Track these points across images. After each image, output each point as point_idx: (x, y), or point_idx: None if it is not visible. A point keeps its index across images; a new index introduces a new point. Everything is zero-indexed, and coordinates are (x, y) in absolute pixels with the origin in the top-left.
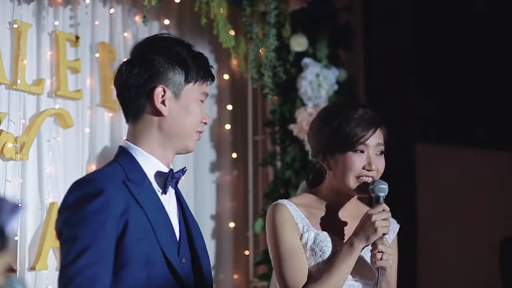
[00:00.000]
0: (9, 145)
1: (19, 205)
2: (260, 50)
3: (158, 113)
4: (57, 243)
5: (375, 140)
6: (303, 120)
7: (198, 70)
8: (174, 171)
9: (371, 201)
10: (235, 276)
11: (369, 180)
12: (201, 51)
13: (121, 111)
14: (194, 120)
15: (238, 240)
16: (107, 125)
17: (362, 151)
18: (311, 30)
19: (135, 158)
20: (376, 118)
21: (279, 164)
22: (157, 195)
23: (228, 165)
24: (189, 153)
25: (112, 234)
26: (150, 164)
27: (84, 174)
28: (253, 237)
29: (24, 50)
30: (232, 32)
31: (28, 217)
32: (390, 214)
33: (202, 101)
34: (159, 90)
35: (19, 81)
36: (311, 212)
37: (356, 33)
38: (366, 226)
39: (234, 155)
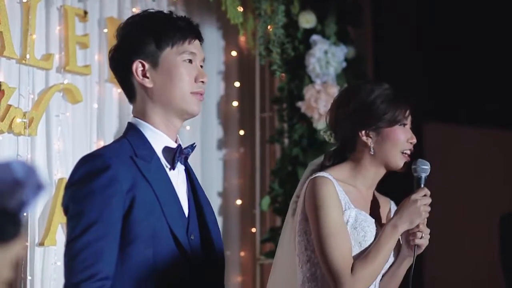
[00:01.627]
0: (18, 120)
1: (44, 186)
2: (269, 27)
3: (144, 87)
4: (65, 219)
5: (410, 115)
6: (311, 97)
7: (169, 33)
8: (183, 147)
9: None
10: (242, 254)
11: (409, 154)
12: (190, 18)
13: None
14: (180, 83)
15: (245, 217)
16: (115, 101)
17: (405, 125)
18: (320, 7)
19: (143, 134)
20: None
21: (286, 141)
22: (165, 171)
23: (236, 142)
24: (194, 116)
25: (119, 210)
26: (158, 139)
27: (92, 149)
28: (260, 214)
29: (33, 25)
30: (240, 9)
31: None
32: (430, 199)
33: (189, 60)
34: (136, 65)
35: (28, 56)
36: (348, 189)
37: (365, 10)
38: (411, 209)
39: (242, 132)
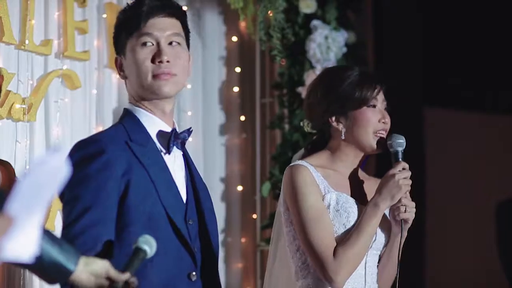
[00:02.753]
0: (17, 106)
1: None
2: (269, 12)
3: (123, 78)
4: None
5: (381, 95)
6: None
7: (128, 21)
8: (180, 131)
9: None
10: (243, 240)
11: (384, 134)
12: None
13: None
14: (139, 70)
15: (245, 203)
16: (114, 87)
17: (375, 106)
18: None
19: (138, 119)
20: (377, 73)
21: (287, 127)
22: (161, 155)
23: (237, 128)
24: (167, 97)
25: (114, 194)
26: (153, 123)
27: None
28: (260, 200)
29: (32, 10)
30: None
31: None
32: (410, 172)
33: (143, 44)
34: (117, 60)
35: (27, 42)
36: (327, 173)
37: None
38: (389, 185)
39: (243, 118)
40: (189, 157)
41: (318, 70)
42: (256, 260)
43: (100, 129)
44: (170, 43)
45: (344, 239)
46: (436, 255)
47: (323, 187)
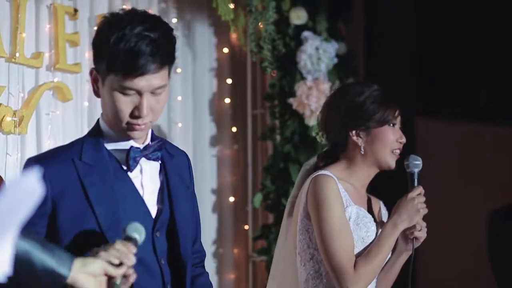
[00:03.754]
0: (8, 118)
1: None
2: (260, 24)
3: (96, 94)
4: None
5: (399, 115)
6: (303, 94)
7: (123, 62)
8: (160, 143)
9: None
10: (235, 251)
11: (399, 153)
12: (158, 42)
13: None
14: (115, 111)
15: (237, 214)
16: None
17: (394, 124)
18: (311, 3)
19: (101, 133)
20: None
21: (278, 138)
22: (122, 172)
23: (228, 139)
24: (131, 139)
25: (40, 213)
26: (112, 139)
27: None
28: (252, 211)
29: (23, 23)
30: (232, 5)
31: None
32: (425, 197)
33: (125, 94)
34: (93, 72)
35: (17, 54)
36: (346, 186)
37: (356, 6)
38: (409, 208)
39: (234, 129)
40: (170, 166)
41: (309, 81)
42: (248, 270)
43: None
44: (153, 92)
45: (364, 253)
46: (427, 265)
47: (345, 199)
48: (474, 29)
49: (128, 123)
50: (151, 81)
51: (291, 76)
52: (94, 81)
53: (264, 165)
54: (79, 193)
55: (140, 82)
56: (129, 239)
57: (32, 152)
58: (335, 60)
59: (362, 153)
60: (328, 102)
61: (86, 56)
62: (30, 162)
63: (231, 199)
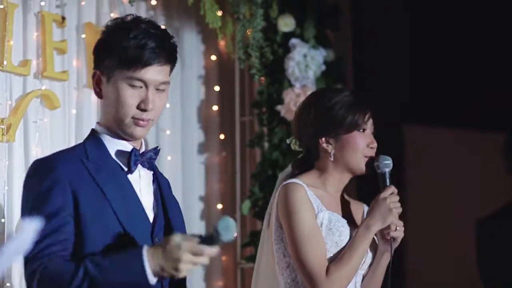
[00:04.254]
0: None
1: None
2: (247, 31)
3: (100, 96)
4: None
5: (370, 120)
6: (291, 101)
7: (129, 54)
8: (146, 150)
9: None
10: (223, 258)
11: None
12: (163, 39)
13: None
14: (123, 105)
15: None
16: (93, 106)
17: (364, 130)
18: (299, 10)
19: (100, 138)
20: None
21: (266, 145)
22: (123, 174)
23: (216, 146)
24: (135, 139)
25: (66, 208)
26: (113, 143)
27: None
28: (240, 218)
29: (11, 31)
30: (220, 13)
31: (14, 199)
32: (398, 196)
33: (133, 86)
34: (96, 74)
35: (5, 62)
36: (319, 193)
37: (344, 13)
38: (382, 209)
39: (222, 136)
40: (160, 175)
41: (297, 88)
42: (237, 278)
43: None
44: (157, 89)
45: (337, 258)
46: (416, 271)
47: (316, 205)
48: (462, 36)
49: (133, 117)
50: (157, 75)
51: (279, 83)
52: (97, 83)
53: (252, 172)
54: (95, 190)
55: (147, 73)
56: (216, 234)
57: (19, 160)
58: (323, 67)
59: (332, 160)
60: (299, 109)
61: (73, 64)
62: (37, 163)
63: (219, 206)
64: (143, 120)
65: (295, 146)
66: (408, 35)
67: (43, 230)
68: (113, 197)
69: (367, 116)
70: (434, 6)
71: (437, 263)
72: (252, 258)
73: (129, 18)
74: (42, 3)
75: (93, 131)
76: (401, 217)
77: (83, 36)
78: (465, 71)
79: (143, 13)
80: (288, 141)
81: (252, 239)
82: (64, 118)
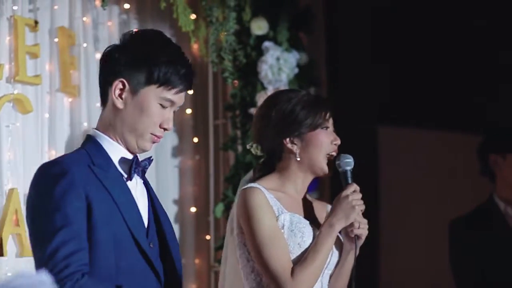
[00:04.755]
0: None
1: None
2: (220, 34)
3: (115, 106)
4: (16, 230)
5: (331, 118)
6: None
7: (165, 74)
8: (140, 159)
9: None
10: (197, 261)
11: (334, 156)
12: (191, 65)
13: (81, 96)
14: (147, 120)
15: (199, 224)
16: (66, 111)
17: (327, 127)
18: (272, 13)
19: (101, 145)
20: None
21: (240, 148)
22: (123, 181)
23: (190, 150)
24: (143, 152)
25: (82, 213)
26: (115, 150)
27: (43, 159)
28: (214, 221)
29: None
30: (193, 16)
31: None
32: (360, 194)
33: (163, 105)
34: (117, 83)
35: None
36: (279, 195)
37: (318, 16)
38: (343, 206)
39: (196, 140)
40: (149, 185)
41: (270, 91)
42: (211, 281)
43: (53, 153)
44: (174, 112)
45: (301, 259)
46: (390, 272)
47: (277, 208)
48: (434, 37)
49: (152, 133)
50: (182, 98)
51: (252, 86)
52: (120, 93)
53: (225, 175)
54: (106, 195)
55: (180, 98)
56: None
57: None
58: (296, 70)
59: (298, 159)
60: (259, 113)
61: (46, 68)
62: (48, 166)
63: (193, 209)
64: (158, 138)
65: (256, 151)
66: (381, 38)
67: (62, 235)
68: (121, 202)
69: (328, 114)
70: (407, 11)
71: (411, 263)
72: None
73: (150, 31)
74: (15, 8)
75: (89, 137)
76: (375, 218)
77: (56, 40)
78: (440, 73)
79: (116, 17)
80: (248, 146)
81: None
82: (37, 122)
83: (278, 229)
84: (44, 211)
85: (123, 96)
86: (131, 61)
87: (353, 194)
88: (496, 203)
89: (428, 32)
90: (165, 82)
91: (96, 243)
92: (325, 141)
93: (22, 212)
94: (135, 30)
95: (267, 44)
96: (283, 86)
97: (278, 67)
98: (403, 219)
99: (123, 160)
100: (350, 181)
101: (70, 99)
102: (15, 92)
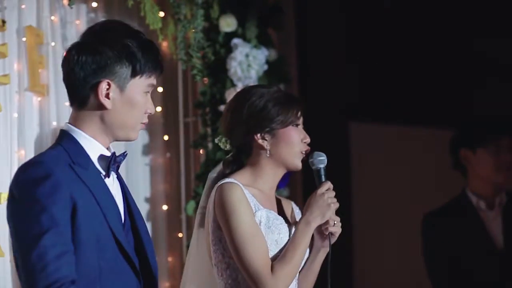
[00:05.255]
0: None
1: None
2: (189, 32)
3: (101, 106)
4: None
5: (301, 116)
6: None
7: (146, 63)
8: (115, 154)
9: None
10: (169, 259)
11: (305, 154)
12: (158, 49)
13: (50, 95)
14: (137, 113)
15: (171, 222)
16: (35, 110)
17: (298, 125)
18: (240, 10)
19: (78, 142)
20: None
21: (210, 145)
22: (102, 178)
23: (161, 148)
24: (130, 141)
25: (67, 214)
26: (93, 147)
27: (13, 159)
28: (186, 219)
29: None
30: (161, 14)
31: None
32: (334, 192)
33: (147, 93)
34: (103, 85)
35: None
36: (253, 191)
37: (288, 12)
38: (319, 204)
39: (166, 137)
40: (122, 179)
41: (239, 88)
42: None
43: (22, 152)
44: None
45: (281, 255)
46: (364, 270)
47: (253, 204)
48: (408, 34)
49: (141, 122)
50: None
51: (221, 83)
52: (106, 93)
53: (196, 173)
54: (88, 195)
55: (156, 79)
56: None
57: None
58: (266, 67)
59: (268, 155)
60: (229, 108)
61: (15, 67)
62: (30, 167)
63: (165, 207)
64: (145, 124)
65: (225, 145)
66: (352, 33)
67: (50, 237)
68: (102, 202)
69: (300, 112)
70: (379, 4)
71: (385, 260)
72: None
73: (114, 24)
74: None
75: (64, 133)
76: (347, 215)
77: (24, 39)
78: (411, 69)
79: (84, 15)
80: (216, 140)
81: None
82: (6, 122)
83: (257, 226)
84: (29, 213)
85: (110, 96)
86: (111, 59)
87: (328, 192)
88: (468, 197)
89: (398, 27)
90: (146, 71)
91: (79, 244)
92: (296, 139)
93: None
94: (94, 25)
95: (235, 41)
96: (253, 82)
97: (247, 63)
98: (375, 215)
99: (101, 157)
100: (323, 179)
101: (39, 98)
102: None
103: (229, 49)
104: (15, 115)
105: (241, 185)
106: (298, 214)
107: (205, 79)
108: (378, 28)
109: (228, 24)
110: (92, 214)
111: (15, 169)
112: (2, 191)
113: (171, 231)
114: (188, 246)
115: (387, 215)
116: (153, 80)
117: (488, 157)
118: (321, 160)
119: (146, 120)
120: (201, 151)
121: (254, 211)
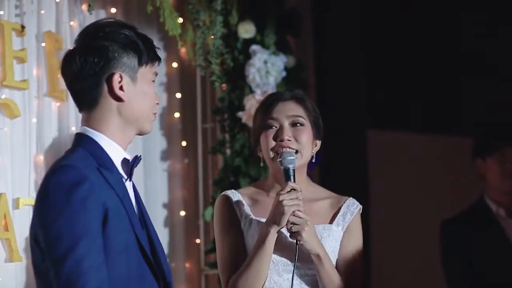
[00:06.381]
0: None
1: None
2: (208, 38)
3: (117, 99)
4: (5, 235)
5: (284, 112)
6: (252, 107)
7: (148, 51)
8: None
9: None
10: (187, 265)
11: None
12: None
13: (69, 100)
14: (150, 102)
15: (189, 228)
16: (54, 115)
17: (273, 127)
18: (259, 16)
19: (100, 144)
20: (284, 93)
21: (228, 151)
22: (124, 182)
23: (179, 153)
24: (147, 134)
25: (98, 222)
26: (115, 150)
27: (31, 165)
28: (203, 225)
29: None
30: (181, 20)
31: None
32: (299, 192)
33: (153, 81)
34: (116, 77)
35: None
36: (256, 200)
37: (305, 19)
38: (275, 211)
39: (184, 143)
40: (134, 184)
41: (258, 94)
42: (201, 284)
43: (41, 157)
44: None
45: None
46: (382, 275)
47: (241, 213)
48: (424, 38)
49: (153, 113)
50: None
51: (240, 89)
52: (119, 85)
53: (214, 179)
54: (117, 201)
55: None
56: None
57: None
58: (284, 73)
59: (261, 164)
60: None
61: (34, 73)
62: (63, 170)
63: (182, 213)
64: (156, 113)
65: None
66: (370, 39)
67: (85, 245)
68: (129, 208)
69: (270, 110)
70: (396, 13)
71: (402, 266)
72: (215, 265)
73: (111, 21)
74: (1, 12)
75: (83, 136)
76: (365, 222)
77: (43, 44)
78: (430, 75)
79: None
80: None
81: (215, 245)
82: (25, 127)
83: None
84: (63, 219)
85: (124, 89)
86: (118, 52)
87: (287, 194)
88: (487, 204)
89: (417, 33)
90: (150, 60)
91: (110, 251)
92: (267, 140)
93: (11, 216)
94: (85, 29)
95: (254, 47)
96: (271, 89)
97: (266, 70)
98: (393, 221)
99: (125, 161)
100: (292, 180)
101: (57, 104)
102: (3, 97)
103: (248, 56)
104: (34, 120)
105: (233, 194)
106: (347, 214)
107: (224, 85)
108: (396, 34)
109: (246, 30)
110: (121, 220)
111: (33, 174)
112: (20, 196)
113: (189, 237)
114: (205, 252)
115: (405, 222)
116: (156, 69)
117: (495, 166)
118: (290, 160)
119: (156, 110)
120: (219, 157)
121: (241, 220)
